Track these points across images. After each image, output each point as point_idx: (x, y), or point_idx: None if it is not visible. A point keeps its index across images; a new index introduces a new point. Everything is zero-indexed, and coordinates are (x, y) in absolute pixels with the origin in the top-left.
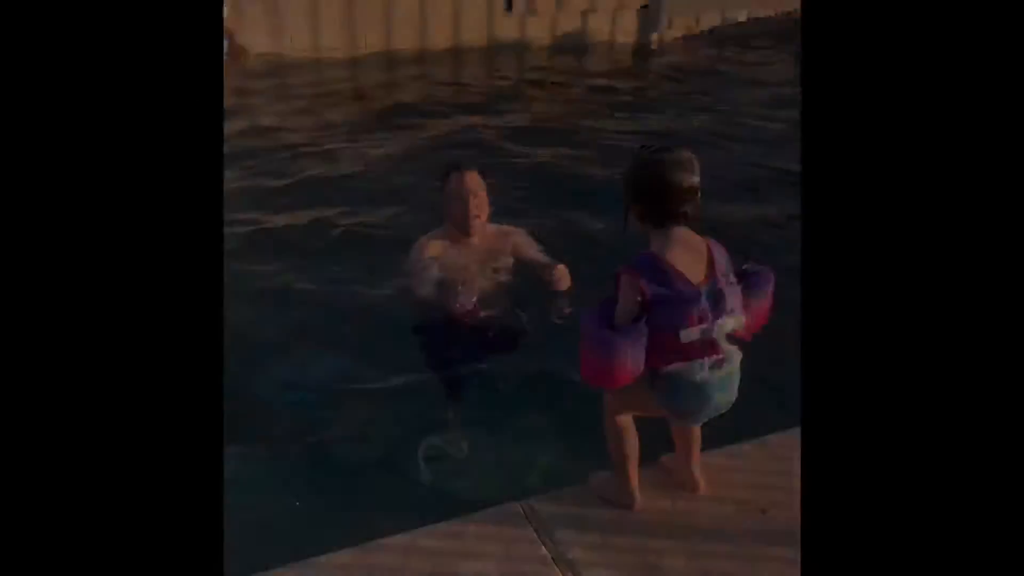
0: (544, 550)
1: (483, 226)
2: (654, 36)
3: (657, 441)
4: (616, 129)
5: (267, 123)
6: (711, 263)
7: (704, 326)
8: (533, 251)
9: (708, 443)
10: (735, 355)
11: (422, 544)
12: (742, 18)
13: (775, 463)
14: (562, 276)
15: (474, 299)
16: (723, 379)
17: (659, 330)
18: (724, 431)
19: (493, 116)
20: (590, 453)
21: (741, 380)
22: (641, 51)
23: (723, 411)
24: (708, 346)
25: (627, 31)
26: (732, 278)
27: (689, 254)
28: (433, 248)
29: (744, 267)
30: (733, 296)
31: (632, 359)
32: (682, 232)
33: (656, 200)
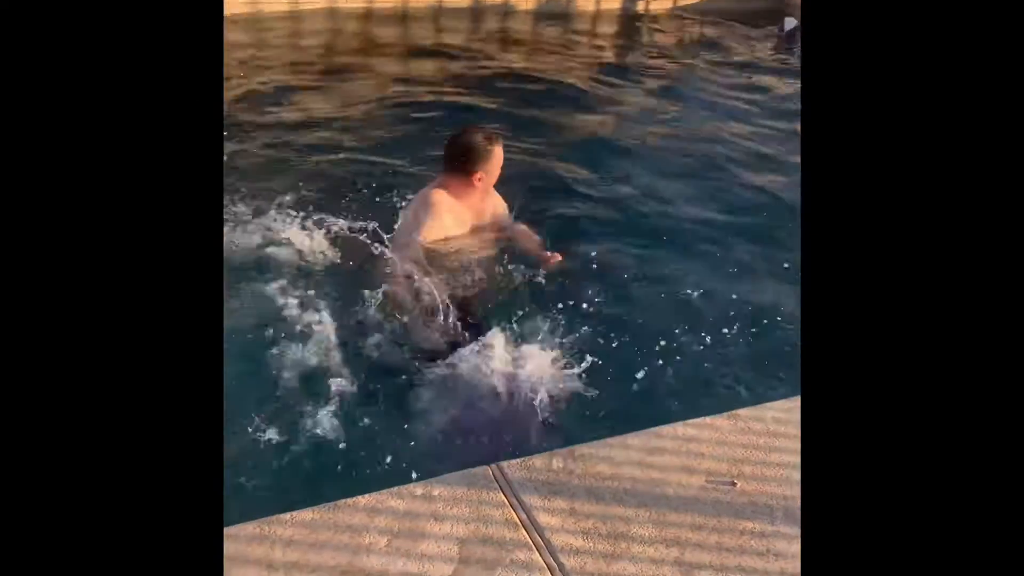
0: (512, 514)
1: None
2: (640, 5)
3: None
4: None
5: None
6: None
7: None
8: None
9: (679, 415)
10: None
11: (390, 504)
12: None
13: (746, 436)
14: (528, 235)
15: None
16: None
17: None
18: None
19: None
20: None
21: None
22: (626, 19)
23: None
24: None
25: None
26: None
27: None
28: (442, 200)
29: None
30: None
31: None
32: None
33: None
